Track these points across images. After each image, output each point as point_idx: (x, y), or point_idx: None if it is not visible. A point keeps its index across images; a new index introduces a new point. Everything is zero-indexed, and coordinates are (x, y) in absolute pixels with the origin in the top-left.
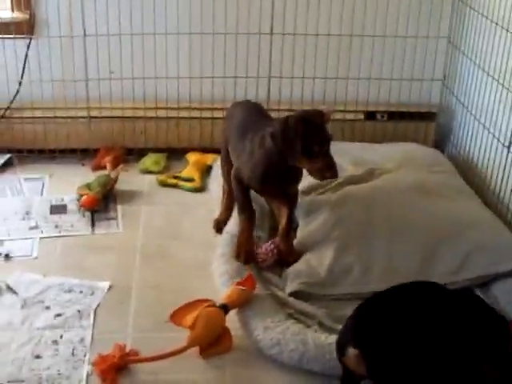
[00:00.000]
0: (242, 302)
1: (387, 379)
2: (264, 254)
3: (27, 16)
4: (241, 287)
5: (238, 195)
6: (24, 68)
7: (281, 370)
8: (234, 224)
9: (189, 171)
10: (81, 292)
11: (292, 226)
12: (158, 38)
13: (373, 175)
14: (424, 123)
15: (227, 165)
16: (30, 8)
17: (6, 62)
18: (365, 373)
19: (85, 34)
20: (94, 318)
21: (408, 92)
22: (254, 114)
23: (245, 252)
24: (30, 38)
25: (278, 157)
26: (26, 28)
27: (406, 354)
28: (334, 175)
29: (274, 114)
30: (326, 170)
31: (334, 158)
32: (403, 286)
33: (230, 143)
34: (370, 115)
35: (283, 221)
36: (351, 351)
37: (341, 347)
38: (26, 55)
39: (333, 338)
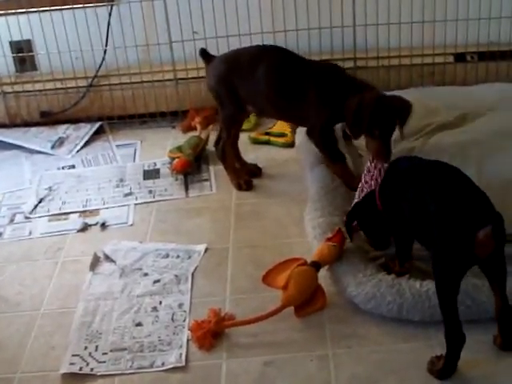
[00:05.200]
0: (333, 259)
1: None
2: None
3: None
4: (331, 243)
5: (327, 146)
6: (108, 35)
7: (379, 322)
8: (321, 178)
9: (280, 126)
10: (178, 257)
11: None
12: None
13: (465, 120)
14: None
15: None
16: None
17: (89, 30)
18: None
19: None
20: (192, 282)
21: (497, 31)
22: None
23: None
24: (111, 5)
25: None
26: None
27: None
28: (383, 161)
29: (361, 63)
30: (377, 154)
31: (390, 146)
32: None
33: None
34: (460, 57)
35: None
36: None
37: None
38: (109, 22)
39: (427, 284)
